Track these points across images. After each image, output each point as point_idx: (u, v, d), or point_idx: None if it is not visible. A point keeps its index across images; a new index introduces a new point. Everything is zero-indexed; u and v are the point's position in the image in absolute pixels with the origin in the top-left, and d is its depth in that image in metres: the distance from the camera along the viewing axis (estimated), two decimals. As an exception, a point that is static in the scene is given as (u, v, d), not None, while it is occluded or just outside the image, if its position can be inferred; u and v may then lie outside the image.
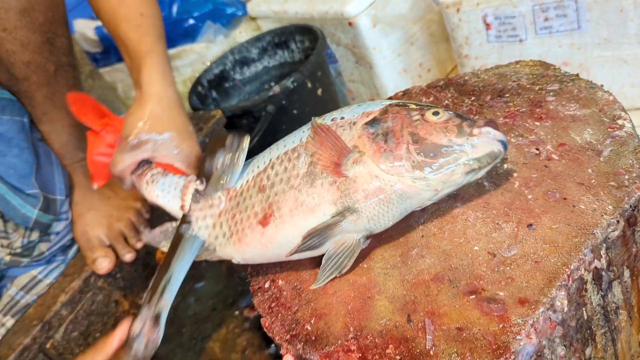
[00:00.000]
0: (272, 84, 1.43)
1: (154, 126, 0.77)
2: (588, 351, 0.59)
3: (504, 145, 0.57)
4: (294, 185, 0.63)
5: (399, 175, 0.57)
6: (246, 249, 0.66)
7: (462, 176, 0.57)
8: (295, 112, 1.49)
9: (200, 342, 1.43)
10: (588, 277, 0.56)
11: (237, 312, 1.41)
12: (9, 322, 0.95)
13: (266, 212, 0.64)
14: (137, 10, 0.89)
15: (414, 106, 0.62)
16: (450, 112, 0.60)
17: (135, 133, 0.76)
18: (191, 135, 0.80)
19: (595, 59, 1.29)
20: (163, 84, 0.82)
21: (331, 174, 0.60)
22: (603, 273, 0.58)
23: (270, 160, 0.68)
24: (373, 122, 0.61)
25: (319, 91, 1.52)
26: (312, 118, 0.65)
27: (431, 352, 0.52)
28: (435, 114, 0.59)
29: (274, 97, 1.41)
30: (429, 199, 0.59)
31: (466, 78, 0.84)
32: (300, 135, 0.67)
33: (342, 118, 0.65)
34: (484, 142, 0.57)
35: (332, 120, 0.65)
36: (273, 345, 1.30)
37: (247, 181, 0.69)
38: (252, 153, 1.49)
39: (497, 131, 0.57)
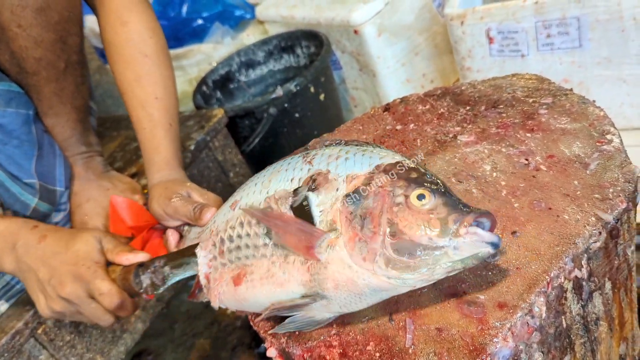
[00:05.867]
0: (277, 87, 1.45)
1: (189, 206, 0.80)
2: (566, 360, 0.60)
3: (494, 245, 0.50)
4: (265, 254, 0.59)
5: (372, 272, 0.52)
6: (223, 299, 0.65)
7: (443, 275, 0.51)
8: (297, 115, 1.50)
9: (192, 339, 1.44)
10: (568, 285, 0.57)
11: (229, 311, 1.42)
12: (3, 306, 0.97)
13: (240, 272, 0.62)
14: (152, 93, 0.95)
15: (403, 177, 0.54)
16: (437, 199, 0.52)
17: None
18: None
19: (595, 77, 1.31)
20: (170, 172, 0.91)
21: (304, 256, 0.56)
22: (584, 283, 0.59)
23: (229, 220, 0.64)
24: (354, 196, 0.54)
25: (322, 96, 1.54)
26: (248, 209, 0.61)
27: (410, 351, 0.53)
28: (421, 197, 0.52)
29: (277, 100, 1.43)
30: (408, 290, 0.54)
31: (463, 88, 0.86)
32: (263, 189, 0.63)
33: (327, 172, 0.58)
34: (470, 243, 0.50)
35: (318, 173, 0.59)
36: (262, 344, 1.31)
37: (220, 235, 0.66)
38: (252, 154, 1.51)
39: (486, 232, 0.50)
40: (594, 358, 0.64)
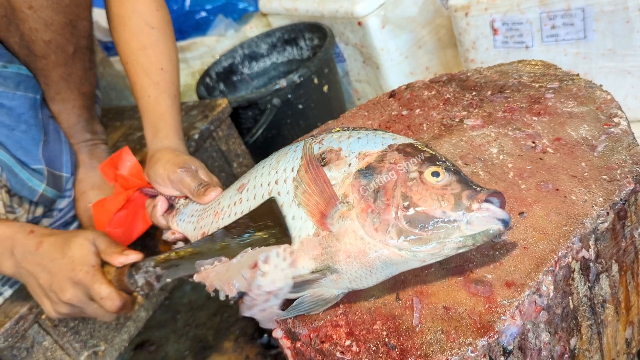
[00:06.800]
0: (281, 79, 1.45)
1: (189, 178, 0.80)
2: (573, 341, 0.60)
3: (505, 223, 0.51)
4: None
5: (384, 243, 0.52)
6: (239, 286, 0.65)
7: (453, 250, 0.52)
8: (300, 106, 1.50)
9: (194, 329, 1.44)
10: (575, 266, 0.57)
11: (232, 301, 1.41)
12: (7, 292, 0.96)
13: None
14: (158, 63, 0.95)
15: (416, 155, 0.56)
16: (452, 176, 0.54)
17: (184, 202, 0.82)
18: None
19: (599, 69, 1.30)
20: (178, 142, 0.89)
21: (316, 223, 0.56)
22: (591, 264, 0.59)
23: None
24: (367, 171, 0.55)
25: (325, 88, 1.54)
26: (305, 141, 0.60)
27: (417, 329, 0.53)
28: (435, 174, 0.53)
29: (280, 91, 1.43)
30: (418, 265, 0.54)
31: (469, 74, 0.85)
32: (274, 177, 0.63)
33: (340, 150, 0.59)
34: (482, 219, 0.51)
35: (329, 150, 0.60)
36: (265, 335, 1.31)
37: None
38: (255, 145, 1.51)
39: (499, 208, 0.51)
40: (600, 341, 0.64)
